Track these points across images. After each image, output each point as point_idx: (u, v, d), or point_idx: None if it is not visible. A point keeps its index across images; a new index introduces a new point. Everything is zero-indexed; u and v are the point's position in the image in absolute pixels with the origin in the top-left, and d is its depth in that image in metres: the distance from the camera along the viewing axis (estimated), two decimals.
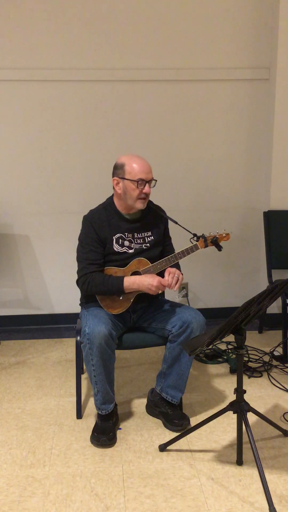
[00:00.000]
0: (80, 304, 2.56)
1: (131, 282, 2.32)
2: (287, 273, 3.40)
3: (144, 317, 2.50)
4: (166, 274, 2.34)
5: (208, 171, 3.52)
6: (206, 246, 2.43)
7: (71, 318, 3.45)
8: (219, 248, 2.43)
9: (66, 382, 2.89)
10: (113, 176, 2.40)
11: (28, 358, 3.20)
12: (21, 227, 3.50)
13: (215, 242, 2.43)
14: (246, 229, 3.63)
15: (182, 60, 3.34)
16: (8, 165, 3.40)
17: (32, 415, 2.56)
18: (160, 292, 2.36)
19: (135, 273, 2.40)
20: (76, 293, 2.54)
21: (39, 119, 3.35)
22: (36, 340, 3.48)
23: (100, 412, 2.36)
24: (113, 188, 2.41)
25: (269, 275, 3.33)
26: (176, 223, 2.47)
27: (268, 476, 2.05)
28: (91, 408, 2.58)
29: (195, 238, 2.44)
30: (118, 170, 2.37)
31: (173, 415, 2.43)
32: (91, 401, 2.62)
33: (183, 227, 2.49)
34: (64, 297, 3.60)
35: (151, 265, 2.39)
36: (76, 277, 2.40)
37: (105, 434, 2.30)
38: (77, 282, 2.40)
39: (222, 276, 3.71)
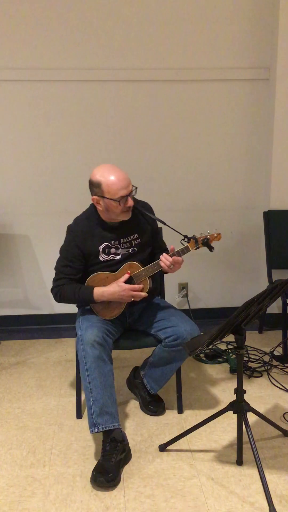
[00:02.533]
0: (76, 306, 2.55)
1: (99, 293, 2.26)
2: (287, 273, 3.40)
3: (140, 321, 2.48)
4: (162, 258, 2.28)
5: (208, 171, 3.52)
6: (197, 247, 2.31)
7: (71, 318, 3.43)
8: (211, 249, 2.33)
9: (66, 382, 2.89)
10: (91, 194, 2.26)
11: (28, 358, 3.20)
12: (21, 227, 3.50)
13: (206, 243, 2.33)
14: (246, 229, 3.63)
15: (182, 60, 3.33)
16: (8, 165, 3.40)
17: (32, 415, 2.56)
18: (139, 298, 2.27)
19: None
20: None
21: (39, 119, 3.35)
22: (36, 340, 3.48)
23: (95, 429, 2.11)
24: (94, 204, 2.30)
25: (269, 275, 3.32)
26: (165, 224, 2.39)
27: (268, 476, 2.05)
28: None
29: (186, 239, 2.34)
30: (95, 188, 2.22)
31: (150, 402, 2.54)
32: None
33: (173, 229, 2.42)
34: None
35: (142, 269, 2.32)
36: None
37: (103, 474, 2.03)
38: (51, 291, 2.37)
39: (222, 276, 3.71)
